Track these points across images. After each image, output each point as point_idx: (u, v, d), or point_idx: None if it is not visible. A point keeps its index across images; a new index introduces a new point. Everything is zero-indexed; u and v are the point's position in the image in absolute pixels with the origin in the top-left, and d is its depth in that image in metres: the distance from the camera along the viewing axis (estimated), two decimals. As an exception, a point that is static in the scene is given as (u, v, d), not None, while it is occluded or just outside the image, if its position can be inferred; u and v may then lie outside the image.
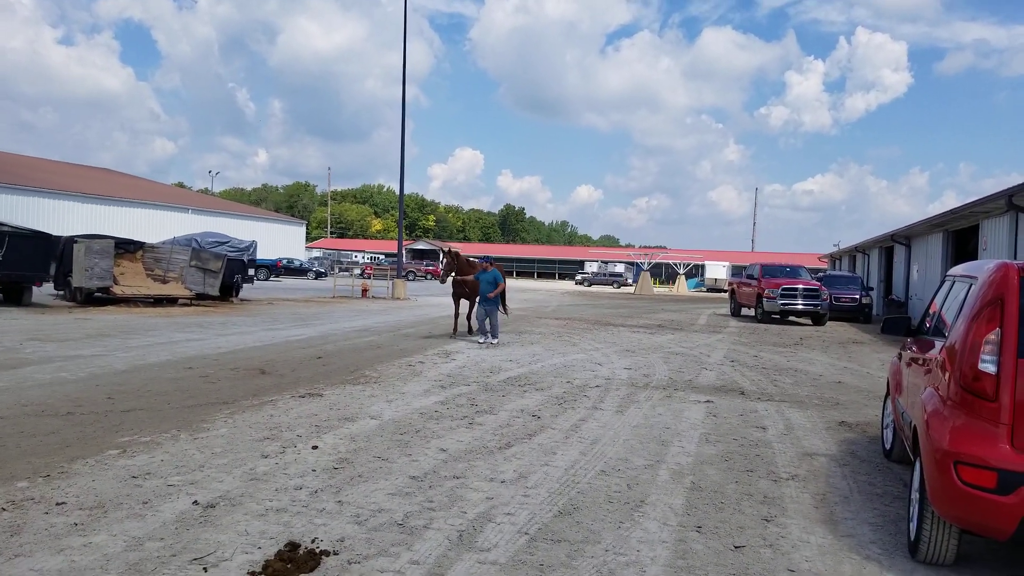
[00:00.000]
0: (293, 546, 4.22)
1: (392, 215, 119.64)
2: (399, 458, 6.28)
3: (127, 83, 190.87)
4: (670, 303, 40.33)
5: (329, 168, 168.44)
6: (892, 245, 32.29)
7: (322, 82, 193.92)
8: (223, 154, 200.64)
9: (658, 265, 74.48)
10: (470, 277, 16.00)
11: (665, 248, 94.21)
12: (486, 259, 16.05)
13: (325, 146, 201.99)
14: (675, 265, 70.78)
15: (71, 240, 21.63)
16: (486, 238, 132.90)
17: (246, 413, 7.81)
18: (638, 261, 66.95)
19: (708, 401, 9.54)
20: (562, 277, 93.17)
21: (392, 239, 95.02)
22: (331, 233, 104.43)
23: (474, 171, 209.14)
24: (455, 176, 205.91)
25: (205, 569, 3.91)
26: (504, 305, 17.36)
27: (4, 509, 4.66)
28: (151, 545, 4.20)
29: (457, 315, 17.08)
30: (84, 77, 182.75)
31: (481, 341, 15.31)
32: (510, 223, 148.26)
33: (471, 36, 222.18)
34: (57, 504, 4.80)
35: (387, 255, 77.38)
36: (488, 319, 15.31)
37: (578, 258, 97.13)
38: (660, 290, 63.59)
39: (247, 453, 6.23)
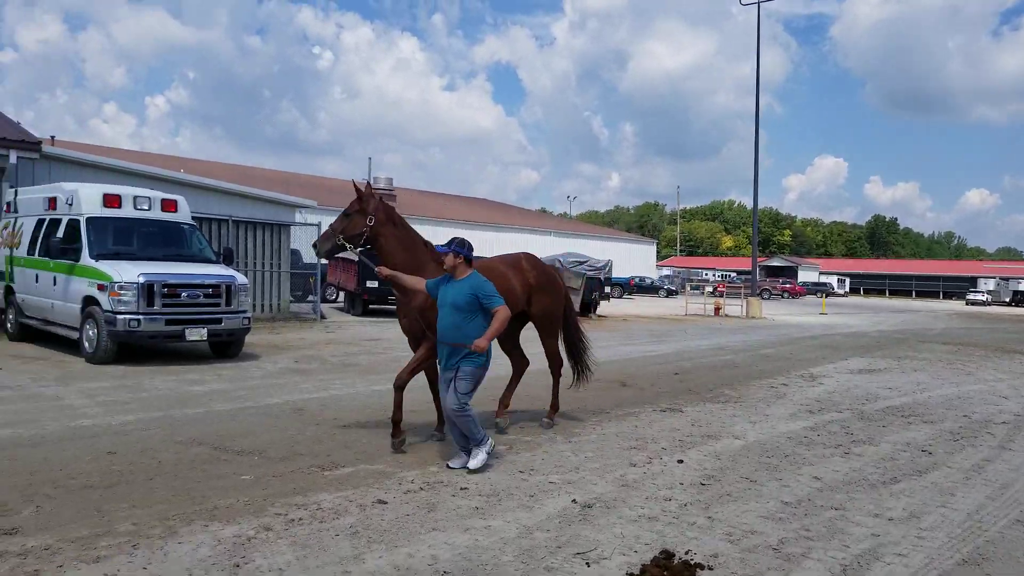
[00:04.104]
0: (668, 555, 4.28)
1: (744, 231, 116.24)
2: (768, 481, 6.03)
3: (498, 120, 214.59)
4: (1096, 328, 33.06)
5: (678, 186, 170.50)
6: None
7: (670, 102, 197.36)
8: (579, 179, 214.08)
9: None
10: (411, 280, 6.44)
11: (1089, 261, 77.69)
12: (454, 247, 6.03)
13: (674, 165, 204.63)
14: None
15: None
16: (851, 253, 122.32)
17: (612, 423, 8.16)
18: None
19: None
20: (947, 296, 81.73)
21: (744, 256, 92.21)
22: (681, 251, 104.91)
23: (836, 180, 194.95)
24: (814, 187, 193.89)
25: (588, 564, 4.16)
26: (556, 363, 8.04)
27: (422, 488, 5.46)
28: (539, 535, 4.59)
29: (415, 367, 6.75)
30: (463, 118, 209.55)
31: (453, 466, 6.06)
32: (880, 236, 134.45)
33: (831, 35, 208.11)
34: (461, 489, 5.48)
35: (739, 272, 75.31)
36: (453, 399, 5.93)
37: (968, 274, 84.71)
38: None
39: (616, 460, 6.49)
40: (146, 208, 12.57)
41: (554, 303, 7.91)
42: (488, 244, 47.19)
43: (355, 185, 6.94)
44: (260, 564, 4.01)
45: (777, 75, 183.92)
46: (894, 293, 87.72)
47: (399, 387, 6.56)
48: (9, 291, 13.50)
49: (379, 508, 4.99)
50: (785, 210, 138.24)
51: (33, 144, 15.69)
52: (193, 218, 13.75)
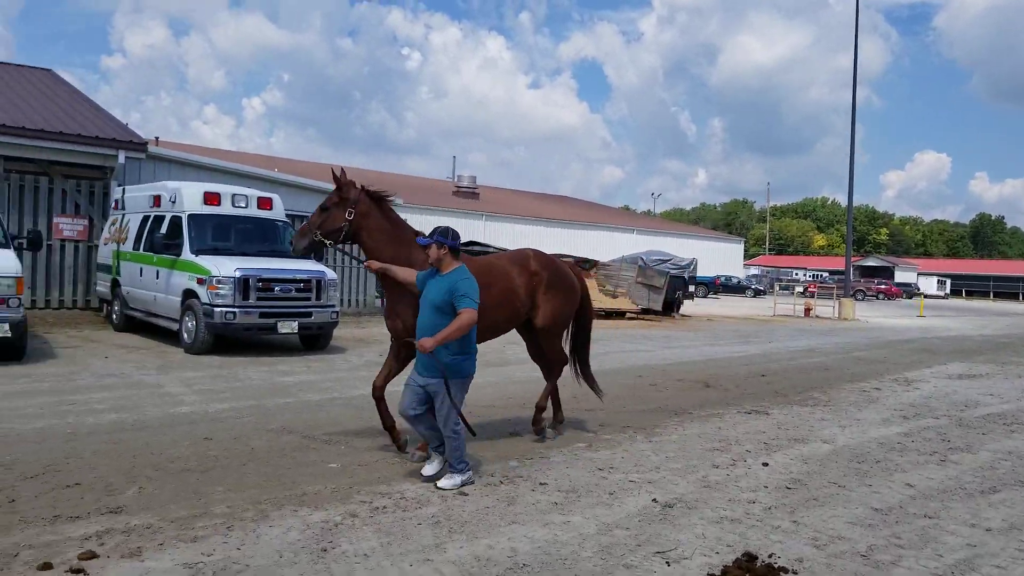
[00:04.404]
0: (750, 557, 4.20)
1: (837, 229, 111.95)
2: (858, 487, 5.83)
3: (583, 117, 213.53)
4: None
5: (768, 183, 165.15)
6: None
7: (762, 96, 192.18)
8: (664, 176, 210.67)
9: None
10: (404, 274, 5.81)
11: None
12: (437, 237, 5.37)
13: (764, 161, 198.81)
14: None
15: (540, 259, 24.84)
16: (953, 253, 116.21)
17: (694, 423, 8.03)
18: None
19: None
20: (1058, 299, 76.64)
21: (837, 255, 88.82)
22: (770, 250, 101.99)
23: (938, 177, 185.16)
24: (914, 184, 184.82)
25: (668, 563, 4.12)
26: (559, 363, 7.18)
27: (501, 482, 5.53)
28: (618, 532, 4.57)
29: (387, 373, 6.32)
30: (548, 116, 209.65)
31: (428, 473, 5.53)
32: (985, 235, 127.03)
33: (935, 25, 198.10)
34: (540, 484, 5.52)
35: (831, 272, 72.68)
36: (418, 409, 5.44)
37: (1081, 276, 79.28)
38: None
39: (698, 461, 6.40)
40: (243, 206, 13.12)
41: (563, 305, 6.93)
42: (572, 241, 47.12)
43: (334, 173, 6.27)
44: (346, 549, 4.15)
45: (876, 67, 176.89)
46: (999, 295, 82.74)
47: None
48: (115, 284, 14.32)
49: (460, 499, 5.07)
50: (882, 208, 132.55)
51: (140, 145, 16.62)
52: (287, 215, 14.27)
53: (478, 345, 5.57)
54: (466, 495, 5.17)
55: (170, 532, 4.29)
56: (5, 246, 10.73)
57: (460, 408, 5.36)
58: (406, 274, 5.77)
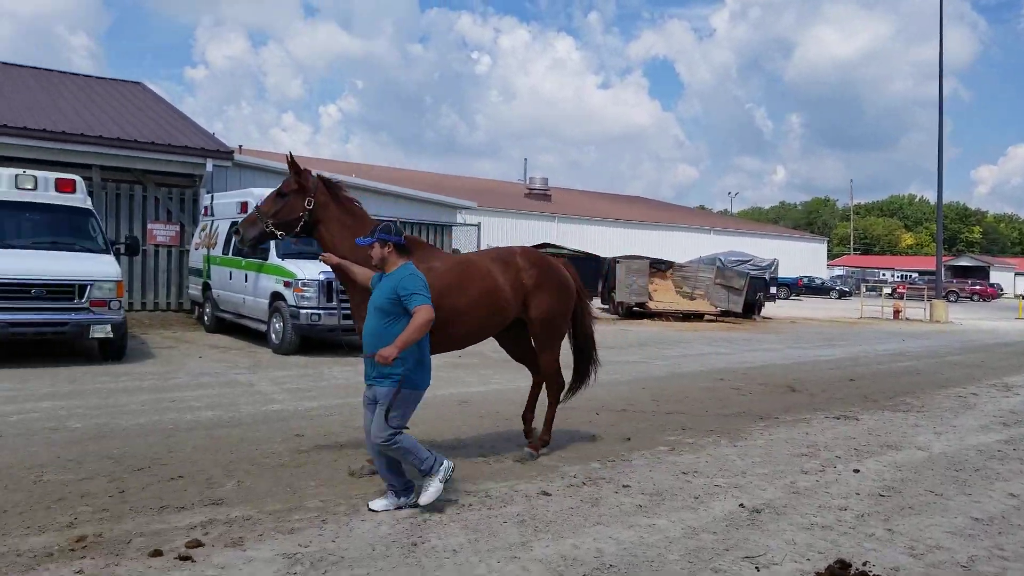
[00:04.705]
0: (844, 564, 4.09)
1: (926, 228, 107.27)
2: (956, 496, 5.60)
3: (654, 115, 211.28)
4: None
5: (851, 180, 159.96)
6: None
7: (840, 91, 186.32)
8: (741, 174, 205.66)
9: None
10: (363, 275, 5.33)
11: None
12: (379, 234, 4.80)
13: (846, 157, 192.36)
14: None
15: (614, 261, 24.66)
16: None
17: (780, 428, 7.85)
18: None
19: None
20: None
21: (926, 255, 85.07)
22: (854, 249, 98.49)
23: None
24: (1008, 179, 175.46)
25: (757, 568, 4.06)
26: (554, 384, 6.44)
27: (584, 484, 5.54)
28: (705, 536, 4.53)
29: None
30: (618, 116, 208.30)
31: (376, 508, 4.76)
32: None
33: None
34: (623, 486, 5.50)
35: (921, 272, 69.71)
36: (379, 427, 4.69)
37: None
38: None
39: (786, 467, 6.26)
40: (325, 211, 13.48)
41: (557, 305, 6.16)
42: (646, 242, 46.64)
43: (290, 160, 5.63)
44: (435, 544, 4.23)
45: (963, 58, 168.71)
46: (1107, 296, 77.72)
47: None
48: (206, 287, 14.95)
49: (544, 499, 5.11)
50: (974, 204, 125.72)
51: (226, 153, 17.32)
52: (366, 219, 14.59)
53: (467, 348, 5.58)
54: (549, 495, 5.19)
55: (268, 524, 4.47)
56: (106, 252, 11.35)
57: (404, 424, 4.73)
58: (364, 274, 5.25)
